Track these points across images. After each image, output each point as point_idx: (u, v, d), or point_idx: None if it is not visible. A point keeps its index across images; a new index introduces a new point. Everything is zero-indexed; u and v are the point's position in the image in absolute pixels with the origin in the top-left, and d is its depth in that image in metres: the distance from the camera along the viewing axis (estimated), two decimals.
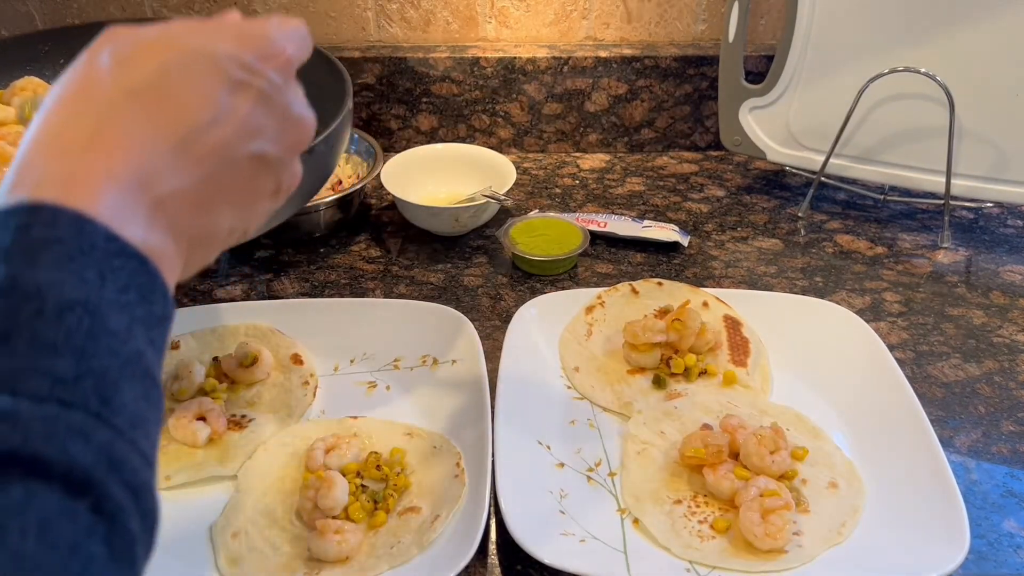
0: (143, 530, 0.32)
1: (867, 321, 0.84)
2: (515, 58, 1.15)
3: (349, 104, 0.81)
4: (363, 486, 0.68)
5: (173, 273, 0.38)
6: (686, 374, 0.80)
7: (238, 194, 0.41)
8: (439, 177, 1.07)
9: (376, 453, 0.71)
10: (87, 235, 0.33)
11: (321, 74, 0.88)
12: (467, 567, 0.62)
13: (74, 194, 0.33)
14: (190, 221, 0.39)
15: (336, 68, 0.86)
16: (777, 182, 1.14)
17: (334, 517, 0.65)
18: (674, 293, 0.88)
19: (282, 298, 0.92)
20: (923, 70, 0.95)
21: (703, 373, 0.81)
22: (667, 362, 0.81)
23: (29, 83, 0.90)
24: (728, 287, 0.94)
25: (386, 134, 1.19)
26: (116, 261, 0.34)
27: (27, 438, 0.29)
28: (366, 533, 0.66)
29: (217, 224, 0.40)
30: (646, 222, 1.03)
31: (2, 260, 0.31)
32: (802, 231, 1.04)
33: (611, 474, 0.73)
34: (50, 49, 0.94)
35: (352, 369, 0.83)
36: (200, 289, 0.93)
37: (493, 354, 0.81)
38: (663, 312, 0.84)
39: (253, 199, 0.42)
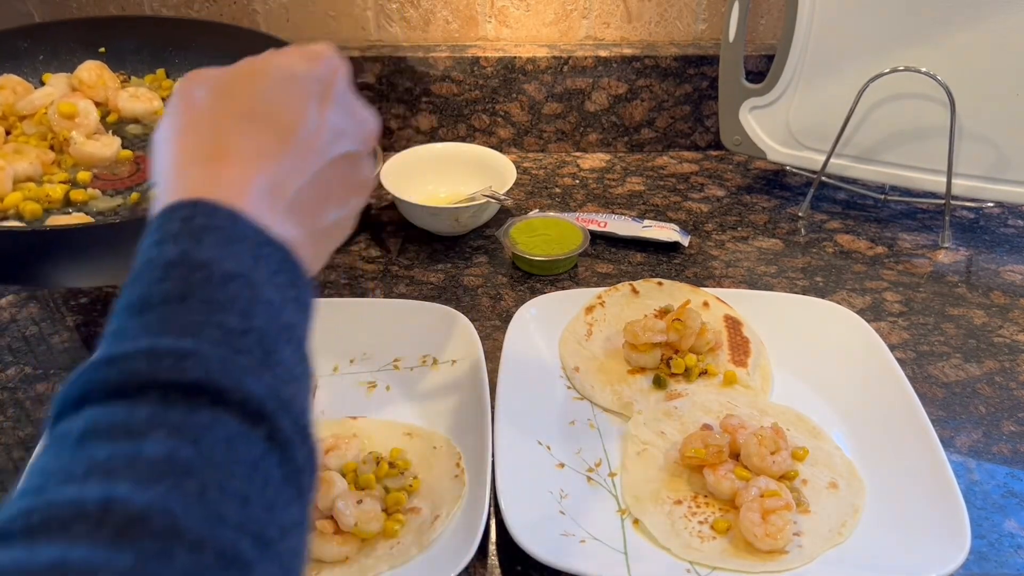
0: (308, 464, 0.36)
1: (868, 321, 0.84)
2: (515, 58, 1.14)
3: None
4: (386, 487, 0.68)
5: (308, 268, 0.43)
6: (686, 374, 0.80)
7: (340, 188, 0.46)
8: (439, 177, 1.07)
9: (374, 453, 0.71)
10: (240, 226, 0.38)
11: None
12: (467, 567, 0.62)
13: (224, 195, 0.39)
14: (310, 218, 0.44)
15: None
16: (777, 182, 1.14)
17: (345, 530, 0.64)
18: (674, 293, 0.88)
19: None
20: (924, 70, 0.95)
21: (703, 373, 0.81)
22: (667, 362, 0.81)
23: (8, 81, 0.89)
24: (728, 287, 0.94)
25: (386, 134, 1.19)
26: (266, 249, 0.39)
27: (209, 371, 0.34)
28: (372, 537, 0.66)
29: (328, 219, 0.46)
30: (646, 222, 1.03)
31: (173, 241, 0.37)
32: (802, 231, 1.04)
33: (611, 474, 0.73)
34: (29, 46, 0.94)
35: (352, 369, 0.82)
36: None
37: (493, 354, 0.81)
38: (663, 312, 0.84)
39: (350, 191, 0.48)
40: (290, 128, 0.44)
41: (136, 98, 0.90)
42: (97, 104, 0.90)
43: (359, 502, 0.65)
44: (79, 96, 0.89)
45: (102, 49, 0.95)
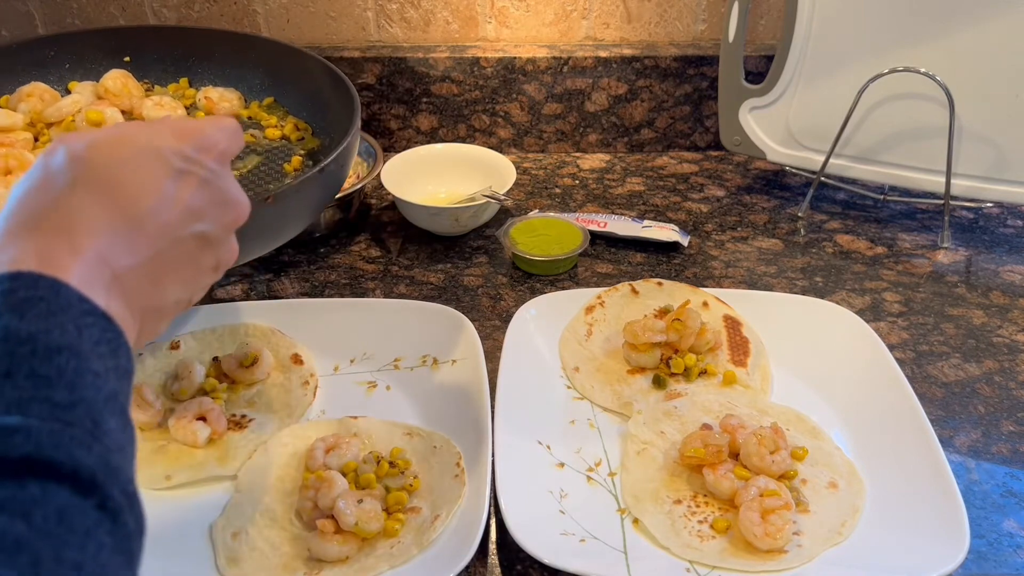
0: (137, 529, 0.37)
1: (867, 321, 0.84)
2: (515, 58, 1.15)
3: (358, 123, 0.82)
4: (386, 487, 0.68)
5: (130, 340, 0.43)
6: (686, 374, 0.81)
7: (184, 270, 0.46)
8: (439, 177, 1.07)
9: (375, 452, 0.71)
10: (63, 295, 0.38)
11: (330, 91, 0.89)
12: (467, 567, 0.62)
13: (48, 265, 0.39)
14: (143, 294, 0.44)
15: (345, 86, 0.87)
16: (777, 182, 1.14)
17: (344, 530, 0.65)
18: (674, 293, 0.88)
19: (282, 298, 0.92)
20: (923, 70, 0.95)
21: (703, 373, 0.81)
22: (667, 362, 0.81)
23: (35, 89, 0.89)
24: (728, 287, 0.94)
25: (386, 134, 1.19)
26: (89, 319, 0.39)
27: (39, 445, 0.34)
28: (373, 536, 0.66)
29: (166, 296, 0.46)
30: (646, 222, 1.03)
31: None
32: (802, 231, 1.05)
33: (611, 474, 0.73)
34: (56, 54, 0.94)
35: (352, 369, 0.83)
36: None
37: (493, 354, 0.81)
38: (663, 312, 0.84)
39: (197, 274, 0.48)
40: (134, 202, 0.43)
41: (160, 107, 0.91)
42: (123, 112, 0.90)
43: (360, 501, 0.65)
44: (105, 104, 0.89)
45: (127, 58, 0.96)
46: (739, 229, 1.05)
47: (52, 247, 0.40)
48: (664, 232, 1.01)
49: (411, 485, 0.69)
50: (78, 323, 0.38)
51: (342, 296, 0.93)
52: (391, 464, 0.70)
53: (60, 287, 0.38)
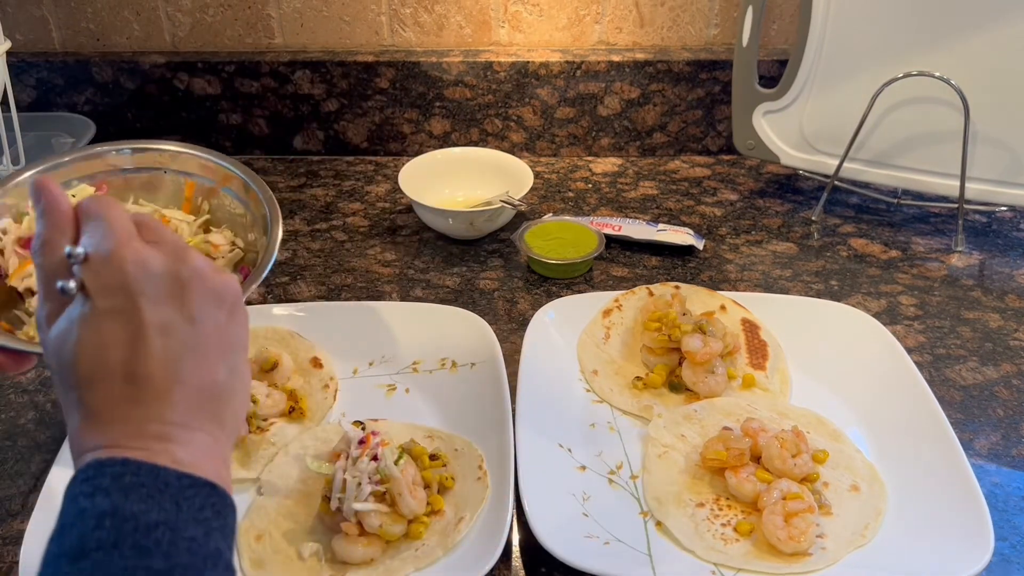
0: None
1: (883, 324, 0.84)
2: (528, 62, 1.15)
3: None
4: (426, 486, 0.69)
5: (225, 452, 0.48)
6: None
7: (205, 364, 0.48)
8: (456, 181, 1.07)
9: (415, 444, 0.71)
10: (161, 477, 0.43)
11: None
12: (491, 570, 0.62)
13: (142, 452, 0.44)
14: (204, 411, 0.48)
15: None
16: (790, 186, 1.14)
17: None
18: (691, 297, 0.88)
19: (299, 301, 0.92)
20: (937, 74, 0.96)
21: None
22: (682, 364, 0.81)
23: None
24: (744, 290, 0.94)
25: (399, 138, 1.20)
26: (190, 491, 0.44)
27: None
28: (397, 539, 0.66)
29: (218, 389, 0.49)
30: (660, 226, 1.03)
31: (105, 495, 0.42)
32: (816, 235, 1.05)
33: (633, 477, 0.73)
34: None
35: (371, 372, 0.83)
36: None
37: (510, 357, 0.81)
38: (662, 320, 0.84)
39: (224, 342, 0.50)
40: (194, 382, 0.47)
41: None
42: None
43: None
44: None
45: None
46: (753, 233, 1.05)
47: (128, 431, 0.45)
48: (679, 236, 1.01)
49: (453, 478, 0.70)
50: (176, 499, 0.43)
51: (358, 299, 0.93)
52: (432, 457, 0.70)
53: (159, 472, 0.43)
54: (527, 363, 0.80)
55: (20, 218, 0.74)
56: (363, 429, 0.69)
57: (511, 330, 0.89)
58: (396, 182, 1.02)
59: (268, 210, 0.74)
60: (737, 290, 0.94)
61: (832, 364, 0.82)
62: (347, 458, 0.67)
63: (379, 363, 0.83)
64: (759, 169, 1.18)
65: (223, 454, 0.48)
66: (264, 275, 0.69)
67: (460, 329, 0.84)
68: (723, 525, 0.68)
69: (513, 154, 1.10)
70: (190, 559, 0.42)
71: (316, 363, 0.81)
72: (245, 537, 0.66)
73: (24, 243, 0.73)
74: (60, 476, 0.69)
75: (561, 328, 0.86)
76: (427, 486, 0.68)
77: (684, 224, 1.06)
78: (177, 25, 1.16)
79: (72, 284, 0.46)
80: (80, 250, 0.46)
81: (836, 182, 1.06)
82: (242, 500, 0.70)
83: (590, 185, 1.15)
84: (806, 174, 1.10)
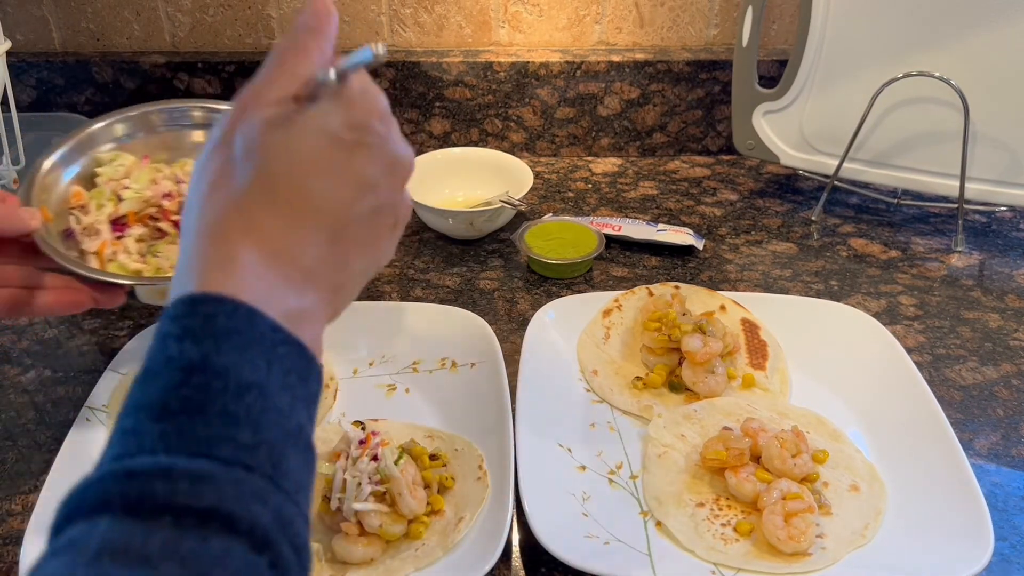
0: None
1: (883, 324, 0.84)
2: (528, 62, 1.15)
3: None
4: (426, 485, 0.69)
5: (323, 324, 0.43)
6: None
7: (365, 241, 0.45)
8: (457, 181, 1.07)
9: (415, 444, 0.71)
10: (257, 326, 0.39)
11: None
12: (491, 570, 0.62)
13: (243, 288, 0.39)
14: (332, 277, 0.43)
15: None
16: (789, 186, 1.14)
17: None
18: (691, 297, 0.88)
19: None
20: (937, 74, 0.96)
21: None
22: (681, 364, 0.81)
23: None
24: (743, 290, 0.94)
25: None
26: (281, 349, 0.39)
27: (221, 498, 0.35)
28: (397, 539, 0.66)
29: (353, 271, 0.45)
30: (660, 226, 1.03)
31: (194, 341, 0.37)
32: (816, 235, 1.05)
33: (633, 477, 0.73)
34: None
35: (371, 372, 0.83)
36: None
37: (510, 357, 0.81)
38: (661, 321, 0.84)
39: (378, 239, 0.46)
40: (314, 194, 0.42)
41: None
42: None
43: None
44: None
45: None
46: (753, 233, 1.05)
47: (244, 257, 0.40)
48: (679, 236, 1.01)
49: (453, 478, 0.70)
50: (269, 356, 0.38)
51: (358, 299, 0.93)
52: (432, 457, 0.70)
53: (255, 317, 0.39)
54: (527, 363, 0.80)
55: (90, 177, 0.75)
56: (363, 429, 0.69)
57: (511, 330, 0.89)
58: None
59: None
60: (737, 290, 0.94)
61: (832, 364, 0.82)
62: (347, 458, 0.67)
63: (379, 363, 0.83)
64: (759, 169, 1.18)
65: (323, 325, 0.43)
66: None
67: (460, 329, 0.84)
68: (723, 525, 0.68)
69: (513, 154, 1.10)
70: (277, 435, 0.38)
71: None
72: None
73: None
74: (60, 476, 0.69)
75: (561, 328, 0.86)
76: (427, 486, 0.68)
77: (684, 224, 1.06)
78: (177, 25, 1.17)
79: (333, 75, 0.43)
80: (332, 76, 0.43)
81: (836, 182, 1.06)
82: None
83: (590, 185, 1.15)
84: (806, 174, 1.10)
